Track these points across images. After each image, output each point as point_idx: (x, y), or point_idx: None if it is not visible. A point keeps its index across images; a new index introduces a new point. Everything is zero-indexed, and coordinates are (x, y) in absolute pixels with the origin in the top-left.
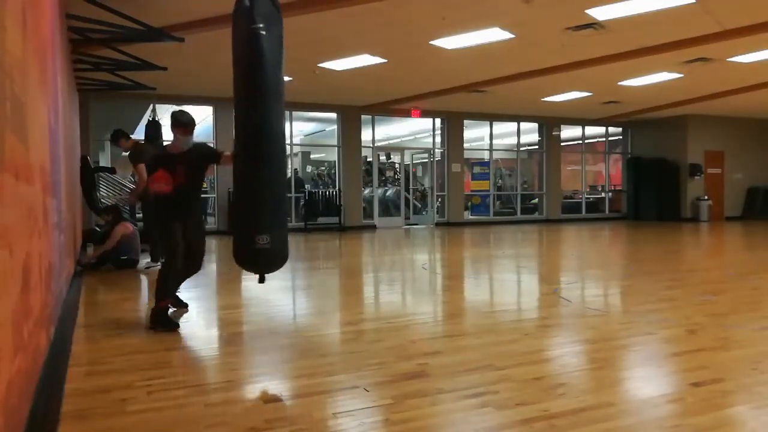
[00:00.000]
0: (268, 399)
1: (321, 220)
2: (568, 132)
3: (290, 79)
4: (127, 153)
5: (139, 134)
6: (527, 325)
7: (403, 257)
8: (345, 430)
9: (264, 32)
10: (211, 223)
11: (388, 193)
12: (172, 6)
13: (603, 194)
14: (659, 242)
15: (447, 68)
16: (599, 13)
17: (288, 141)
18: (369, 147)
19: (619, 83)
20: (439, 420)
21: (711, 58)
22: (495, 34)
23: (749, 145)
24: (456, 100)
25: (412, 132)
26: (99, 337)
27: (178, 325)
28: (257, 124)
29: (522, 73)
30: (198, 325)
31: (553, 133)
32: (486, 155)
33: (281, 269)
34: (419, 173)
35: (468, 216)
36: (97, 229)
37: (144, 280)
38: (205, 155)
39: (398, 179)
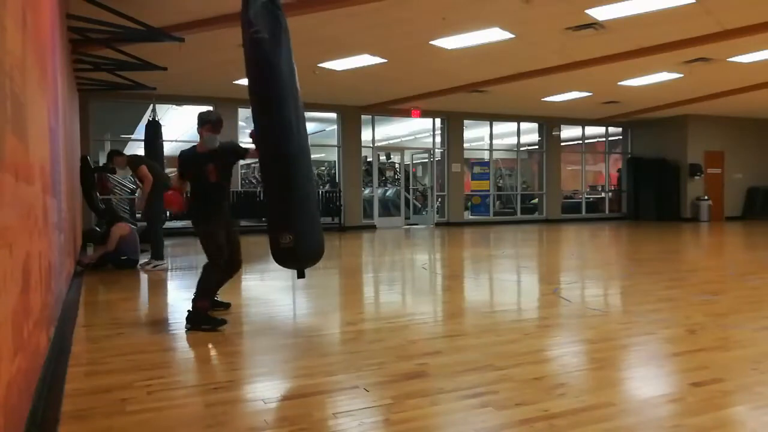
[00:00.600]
0: (268, 399)
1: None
2: (568, 132)
3: None
4: (125, 167)
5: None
6: (527, 325)
7: (403, 257)
8: (345, 430)
9: (263, 35)
10: None
11: (388, 193)
12: (172, 6)
13: (603, 194)
14: (659, 242)
15: (447, 68)
16: (599, 13)
17: None
18: (369, 147)
19: (619, 83)
20: (439, 420)
21: (711, 58)
22: (495, 34)
23: (749, 145)
24: (456, 100)
25: (412, 132)
26: (99, 337)
27: (224, 321)
28: (265, 126)
29: (522, 73)
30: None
31: (553, 133)
32: (486, 155)
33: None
34: (419, 173)
35: (468, 216)
36: (97, 229)
37: (144, 280)
38: (232, 152)
39: (398, 179)
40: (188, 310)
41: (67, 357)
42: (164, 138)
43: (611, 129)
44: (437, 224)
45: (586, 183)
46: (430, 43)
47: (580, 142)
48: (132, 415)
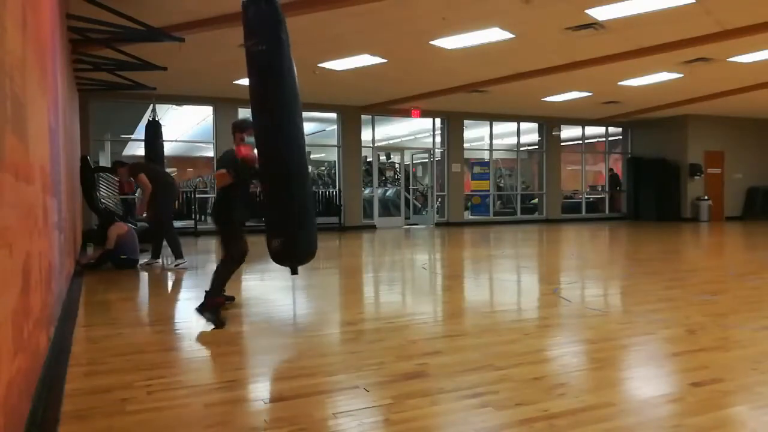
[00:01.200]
0: (268, 399)
1: (321, 220)
2: (568, 132)
3: None
4: (129, 177)
5: (139, 134)
6: (527, 325)
7: (403, 257)
8: (345, 430)
9: (262, 48)
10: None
11: (388, 193)
12: (172, 6)
13: (603, 194)
14: (659, 242)
15: (447, 68)
16: (599, 13)
17: None
18: (369, 147)
19: (619, 83)
20: (439, 420)
21: (711, 58)
22: (495, 34)
23: (749, 145)
24: (456, 100)
25: (412, 132)
26: (99, 337)
27: (224, 325)
28: (260, 131)
29: (522, 73)
30: (198, 325)
31: (553, 133)
32: (486, 155)
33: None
34: (419, 173)
35: (468, 216)
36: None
37: (144, 280)
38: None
39: (398, 179)
40: (201, 303)
41: (67, 357)
42: (164, 138)
43: (611, 129)
44: (437, 224)
45: (586, 183)
46: (430, 43)
47: (580, 142)
48: (132, 415)
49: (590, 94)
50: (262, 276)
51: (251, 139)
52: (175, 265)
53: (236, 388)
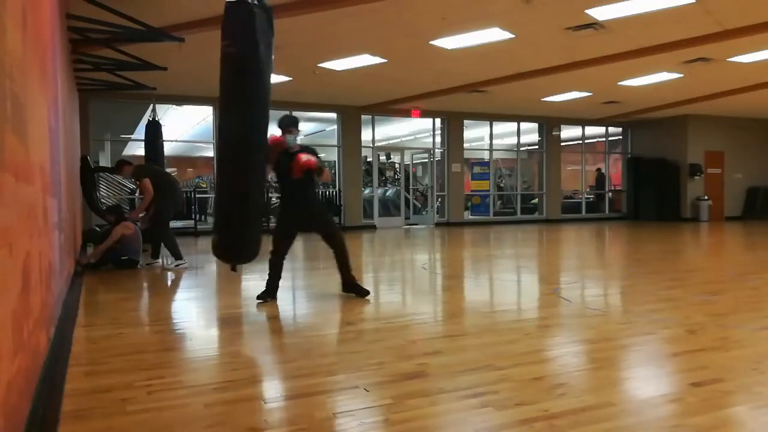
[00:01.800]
0: (268, 399)
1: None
2: (568, 132)
3: (290, 79)
4: (131, 177)
5: (139, 134)
6: (527, 325)
7: (403, 257)
8: (345, 430)
9: (232, 50)
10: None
11: (388, 193)
12: (172, 6)
13: (603, 194)
14: (659, 242)
15: (447, 68)
16: (599, 13)
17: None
18: (369, 147)
19: (619, 83)
20: (439, 420)
21: (711, 58)
22: (495, 34)
23: (749, 145)
24: (456, 100)
25: (412, 132)
26: (99, 337)
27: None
28: (218, 129)
29: (522, 73)
30: (198, 325)
31: (553, 133)
32: (486, 155)
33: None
34: (419, 173)
35: (468, 216)
36: (97, 229)
37: (144, 280)
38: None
39: (398, 179)
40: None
41: (67, 357)
42: (164, 138)
43: (611, 129)
44: (437, 224)
45: (586, 183)
46: (430, 43)
47: (580, 142)
48: (132, 415)
49: (590, 94)
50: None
51: (290, 137)
52: (175, 266)
53: (236, 388)
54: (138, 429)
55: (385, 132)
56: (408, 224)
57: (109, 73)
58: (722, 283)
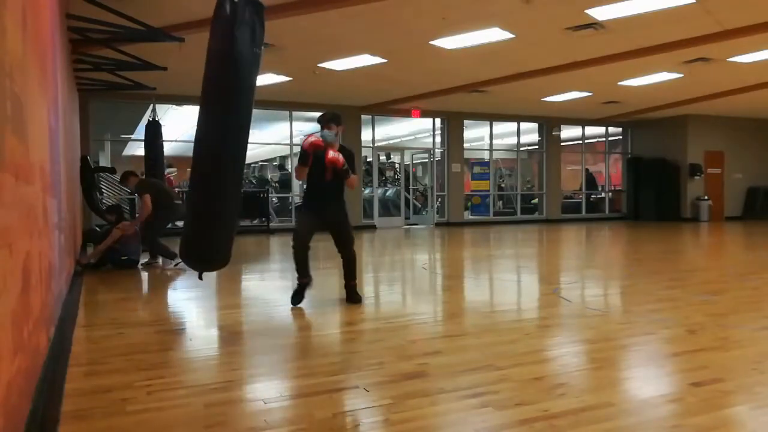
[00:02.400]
0: (268, 399)
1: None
2: (568, 132)
3: (290, 79)
4: (135, 191)
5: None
6: (527, 325)
7: (403, 257)
8: (345, 430)
9: (209, 43)
10: None
11: (388, 193)
12: (172, 6)
13: (603, 194)
14: (659, 242)
15: (447, 68)
16: (599, 13)
17: (288, 141)
18: (369, 147)
19: (619, 83)
20: (439, 420)
21: (711, 58)
22: (495, 34)
23: (749, 145)
24: (456, 100)
25: (412, 132)
26: (99, 337)
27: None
28: (201, 127)
29: (522, 73)
30: (198, 325)
31: (553, 133)
32: (486, 155)
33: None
34: (419, 173)
35: (468, 216)
36: (97, 229)
37: (144, 280)
38: (348, 160)
39: (398, 179)
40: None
41: (67, 357)
42: (164, 138)
43: (611, 129)
44: (437, 224)
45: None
46: (430, 43)
47: (580, 142)
48: (132, 415)
49: (590, 94)
50: (262, 276)
51: (326, 132)
52: (175, 265)
53: (236, 388)
54: (138, 429)
55: (385, 132)
56: (408, 224)
57: (109, 73)
58: (722, 283)
